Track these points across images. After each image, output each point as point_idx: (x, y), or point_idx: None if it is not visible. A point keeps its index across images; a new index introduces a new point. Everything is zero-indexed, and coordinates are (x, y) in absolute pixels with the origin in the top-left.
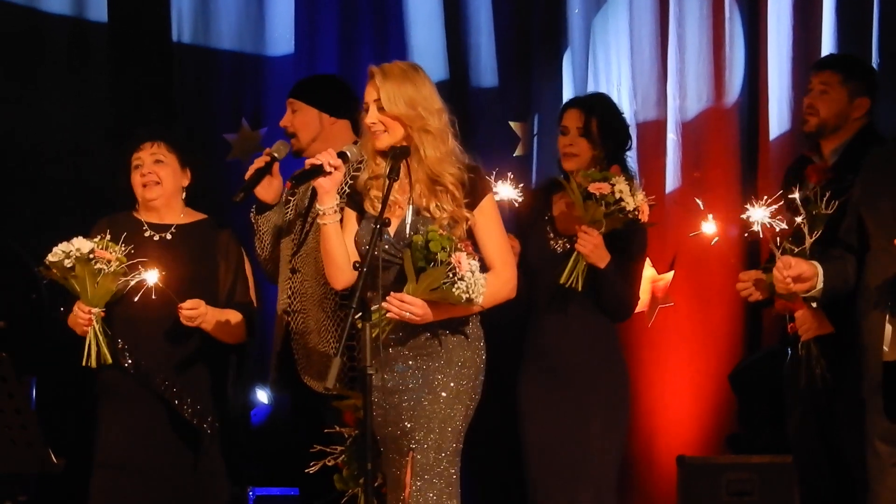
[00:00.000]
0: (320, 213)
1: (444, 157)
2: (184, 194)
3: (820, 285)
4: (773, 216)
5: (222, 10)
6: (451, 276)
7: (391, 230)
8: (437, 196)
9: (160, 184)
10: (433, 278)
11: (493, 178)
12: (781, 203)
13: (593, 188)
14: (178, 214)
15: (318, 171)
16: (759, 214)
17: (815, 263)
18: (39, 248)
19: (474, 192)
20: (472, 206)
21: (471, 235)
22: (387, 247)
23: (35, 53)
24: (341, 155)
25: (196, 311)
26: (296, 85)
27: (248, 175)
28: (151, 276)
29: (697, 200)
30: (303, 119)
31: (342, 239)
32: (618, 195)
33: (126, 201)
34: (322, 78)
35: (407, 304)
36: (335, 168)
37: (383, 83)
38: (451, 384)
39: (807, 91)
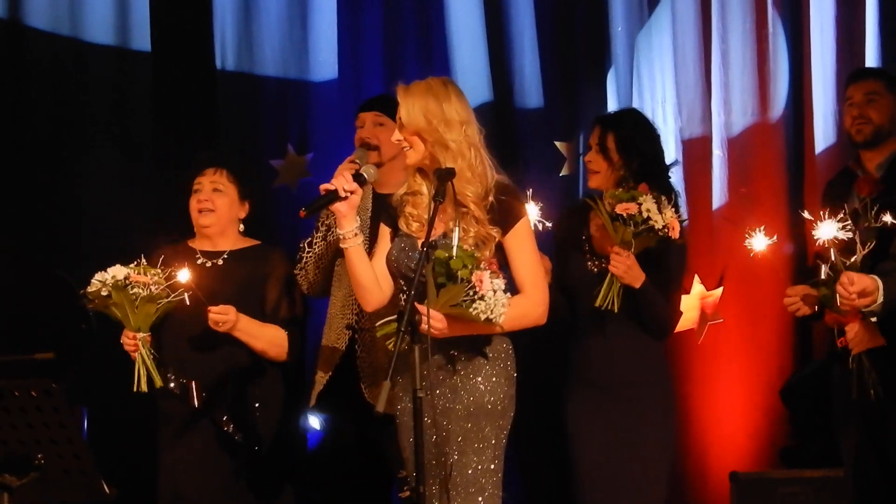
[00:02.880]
0: (340, 237)
1: (460, 172)
2: (241, 226)
3: (881, 299)
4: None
5: (265, 36)
6: (470, 294)
7: (419, 248)
8: (462, 218)
9: (214, 212)
10: (452, 295)
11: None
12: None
13: (620, 209)
14: (231, 242)
15: (334, 196)
16: (828, 231)
17: (876, 277)
18: (86, 278)
19: (508, 215)
20: (504, 228)
21: (503, 256)
22: (412, 264)
23: (78, 84)
24: (357, 177)
25: (224, 316)
26: (381, 101)
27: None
28: (183, 275)
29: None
30: (388, 135)
31: (367, 261)
32: (645, 214)
33: (180, 224)
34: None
35: (426, 317)
36: (351, 192)
37: (405, 99)
38: (483, 403)
39: (848, 104)
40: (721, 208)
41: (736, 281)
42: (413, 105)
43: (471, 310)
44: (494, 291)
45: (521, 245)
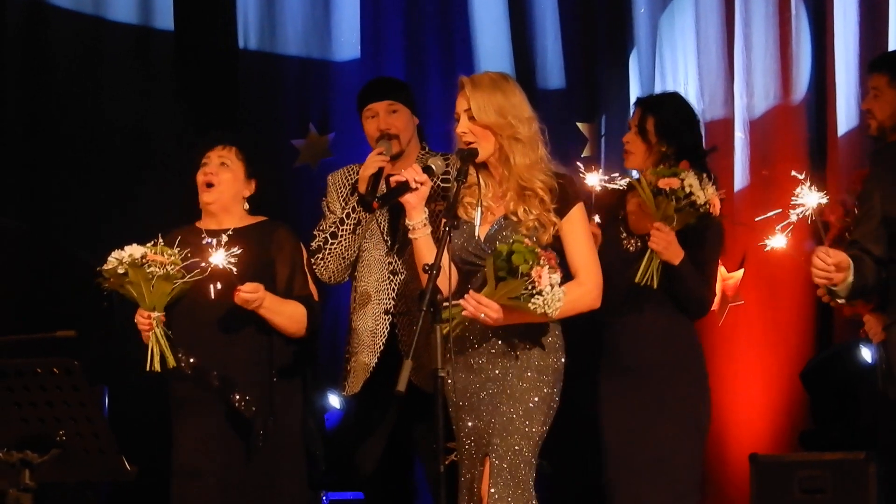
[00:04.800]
0: (410, 228)
1: (533, 164)
2: (245, 204)
3: (850, 279)
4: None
5: (288, 16)
6: (529, 288)
7: (482, 234)
8: (526, 200)
9: (218, 186)
10: (511, 289)
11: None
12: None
13: (663, 184)
14: (236, 220)
15: (405, 187)
16: (812, 199)
17: (846, 255)
18: (106, 257)
19: (564, 200)
20: (561, 213)
21: (558, 242)
22: (472, 250)
23: (102, 62)
24: (426, 169)
25: (254, 295)
26: (388, 87)
27: (368, 173)
28: (218, 257)
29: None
30: (403, 120)
31: (434, 250)
32: (687, 189)
33: (193, 202)
34: (399, 80)
35: (483, 306)
36: (421, 183)
37: (473, 93)
38: (531, 392)
39: (863, 95)
40: (742, 190)
41: (757, 263)
42: (484, 100)
43: (529, 304)
44: (552, 286)
45: (576, 230)
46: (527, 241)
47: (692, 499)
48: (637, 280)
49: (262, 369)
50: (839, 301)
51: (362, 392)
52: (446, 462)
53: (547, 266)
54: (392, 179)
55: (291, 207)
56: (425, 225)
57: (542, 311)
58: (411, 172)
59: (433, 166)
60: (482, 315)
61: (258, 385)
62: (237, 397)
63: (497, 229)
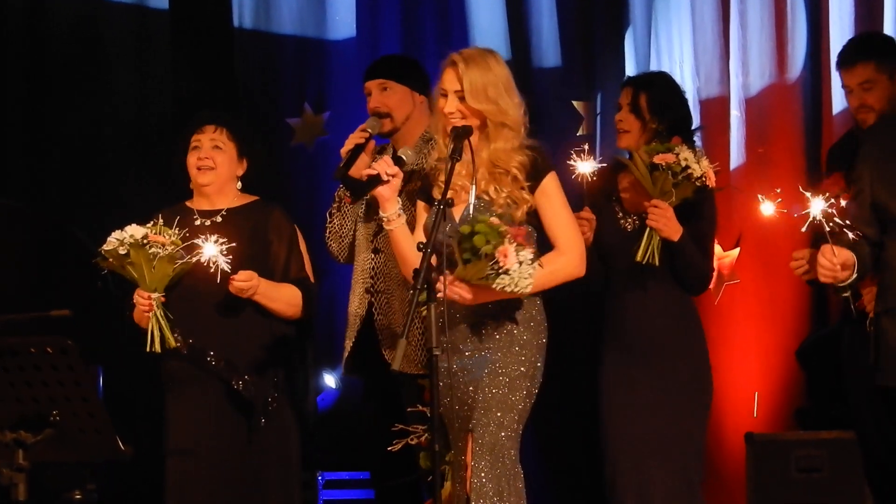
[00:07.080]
0: (384, 220)
1: (514, 148)
2: (238, 183)
3: (856, 275)
4: (831, 205)
5: None
6: (494, 268)
7: (456, 215)
8: (497, 179)
9: (215, 169)
10: (477, 269)
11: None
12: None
13: (658, 159)
14: (229, 200)
15: (377, 180)
16: (818, 207)
17: (851, 252)
18: (103, 236)
19: (536, 173)
20: (533, 187)
21: (536, 217)
22: (448, 232)
23: (98, 41)
24: (397, 161)
25: (248, 283)
26: (381, 66)
27: (344, 150)
28: (210, 248)
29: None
30: (397, 98)
31: (412, 239)
32: (683, 163)
33: (182, 182)
34: (401, 57)
35: (455, 287)
36: (392, 175)
37: (466, 73)
38: (512, 366)
39: (846, 91)
40: (738, 169)
41: (753, 242)
42: (478, 83)
43: (494, 285)
44: (520, 263)
45: (551, 199)
46: (493, 219)
47: (696, 475)
48: (638, 259)
49: (264, 351)
50: (843, 295)
51: (348, 372)
52: (399, 446)
53: (514, 245)
54: (363, 173)
55: (287, 187)
56: (399, 215)
57: (511, 289)
58: (382, 165)
59: (403, 157)
60: (456, 296)
61: (259, 366)
62: (237, 378)
63: (473, 207)
